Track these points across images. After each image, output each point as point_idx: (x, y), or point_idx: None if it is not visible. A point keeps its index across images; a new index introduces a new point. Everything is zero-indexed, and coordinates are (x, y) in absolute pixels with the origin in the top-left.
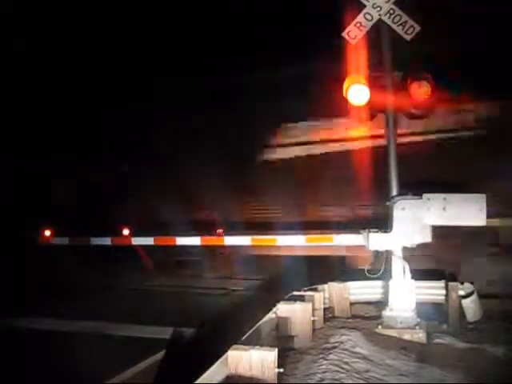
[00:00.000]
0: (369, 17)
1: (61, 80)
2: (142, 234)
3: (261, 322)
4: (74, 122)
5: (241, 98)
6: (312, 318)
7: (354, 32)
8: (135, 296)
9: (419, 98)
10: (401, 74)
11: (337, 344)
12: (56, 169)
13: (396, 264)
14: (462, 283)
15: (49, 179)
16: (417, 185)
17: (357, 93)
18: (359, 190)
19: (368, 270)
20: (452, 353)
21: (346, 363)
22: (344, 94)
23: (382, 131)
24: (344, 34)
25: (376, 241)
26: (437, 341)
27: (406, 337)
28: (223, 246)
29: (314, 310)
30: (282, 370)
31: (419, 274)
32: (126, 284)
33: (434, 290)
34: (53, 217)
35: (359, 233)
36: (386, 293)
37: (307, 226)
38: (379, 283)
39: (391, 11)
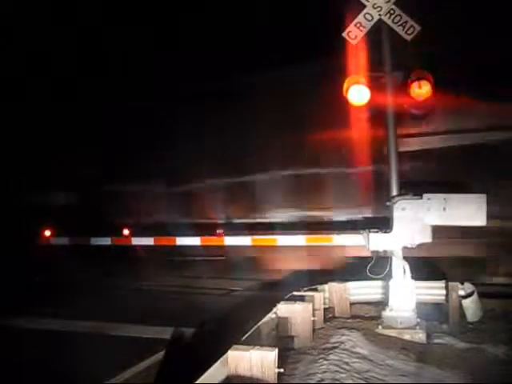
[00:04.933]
0: (369, 17)
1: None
2: None
3: (261, 322)
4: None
5: None
6: (312, 318)
7: (355, 32)
8: (135, 296)
9: (420, 98)
10: (401, 74)
11: (337, 344)
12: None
13: (396, 264)
14: (462, 283)
15: (49, 179)
16: None
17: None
18: None
19: (370, 271)
20: (452, 353)
21: (346, 363)
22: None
23: None
24: (344, 35)
25: (376, 241)
26: (437, 341)
27: (406, 337)
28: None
29: (314, 310)
30: (282, 370)
31: None
32: (126, 284)
33: (434, 290)
34: (53, 217)
35: (359, 233)
36: (386, 293)
37: None
38: (379, 283)
39: (391, 11)
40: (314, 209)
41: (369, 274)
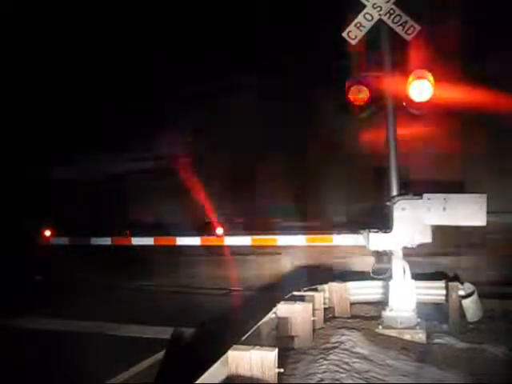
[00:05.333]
0: (369, 17)
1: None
2: None
3: (261, 322)
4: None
5: None
6: (312, 318)
7: (354, 32)
8: (135, 296)
9: (419, 98)
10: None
11: (337, 344)
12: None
13: (396, 264)
14: (463, 283)
15: (49, 179)
16: None
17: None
18: None
19: (373, 271)
20: (452, 353)
21: (346, 363)
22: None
23: None
24: (344, 35)
25: (376, 241)
26: (437, 341)
27: (407, 337)
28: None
29: (314, 310)
30: (282, 370)
31: None
32: (126, 284)
33: (434, 290)
34: (53, 217)
35: (359, 233)
36: (386, 293)
37: None
38: (379, 283)
39: (391, 11)
40: None
41: (372, 274)
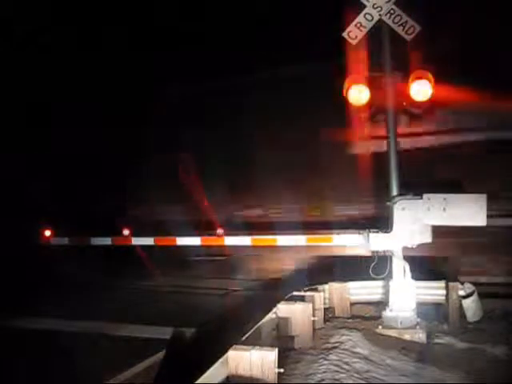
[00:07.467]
0: (369, 17)
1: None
2: None
3: (261, 322)
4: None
5: None
6: (312, 318)
7: (355, 32)
8: (135, 296)
9: (420, 98)
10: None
11: (337, 344)
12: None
13: (396, 264)
14: (463, 283)
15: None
16: None
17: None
18: None
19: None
20: (452, 353)
21: (347, 363)
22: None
23: None
24: (344, 35)
25: (376, 241)
26: (437, 341)
27: (406, 337)
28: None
29: (314, 310)
30: (282, 370)
31: None
32: (126, 284)
33: (434, 290)
34: (53, 217)
35: (359, 233)
36: (386, 293)
37: None
38: (379, 283)
39: (391, 11)
40: None
41: (372, 274)
